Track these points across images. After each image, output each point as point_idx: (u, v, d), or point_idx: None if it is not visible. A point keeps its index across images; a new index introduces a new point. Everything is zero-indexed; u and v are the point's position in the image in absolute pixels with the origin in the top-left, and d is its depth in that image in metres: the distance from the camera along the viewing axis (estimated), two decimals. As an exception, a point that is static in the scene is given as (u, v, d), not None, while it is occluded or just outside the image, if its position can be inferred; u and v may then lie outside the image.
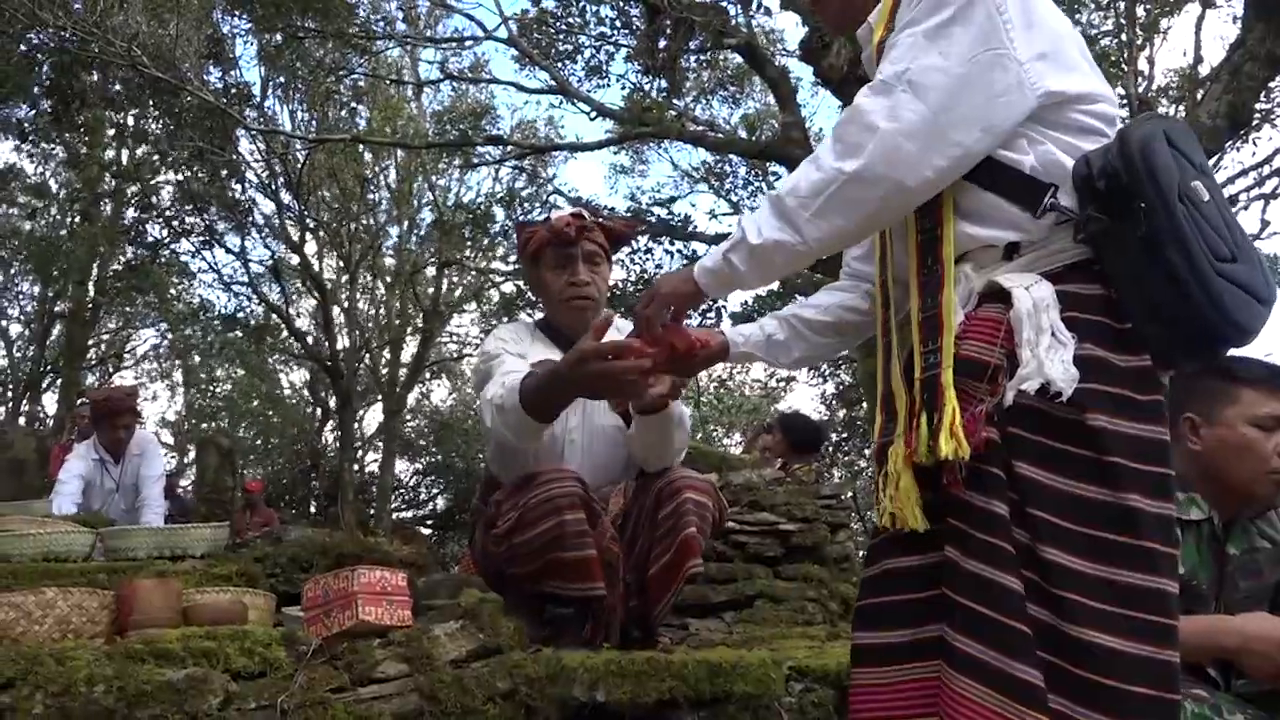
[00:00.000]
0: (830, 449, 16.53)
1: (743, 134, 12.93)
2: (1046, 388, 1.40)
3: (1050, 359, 1.41)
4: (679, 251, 14.44)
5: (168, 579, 2.05)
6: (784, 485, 3.53)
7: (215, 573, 2.29)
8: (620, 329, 2.62)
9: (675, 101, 10.67)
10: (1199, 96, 12.23)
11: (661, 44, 10.19)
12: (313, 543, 2.55)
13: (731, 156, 14.57)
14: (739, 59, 12.05)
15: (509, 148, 12.70)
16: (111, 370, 19.68)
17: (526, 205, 14.72)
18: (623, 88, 11.73)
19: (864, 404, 16.21)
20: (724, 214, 17.52)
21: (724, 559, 3.25)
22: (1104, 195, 1.43)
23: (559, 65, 11.68)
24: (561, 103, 11.74)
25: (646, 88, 11.47)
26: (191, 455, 20.82)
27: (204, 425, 20.43)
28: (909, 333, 1.54)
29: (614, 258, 2.73)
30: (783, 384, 19.96)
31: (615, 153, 16.64)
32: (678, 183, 16.81)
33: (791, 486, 3.52)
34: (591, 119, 11.14)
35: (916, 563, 1.50)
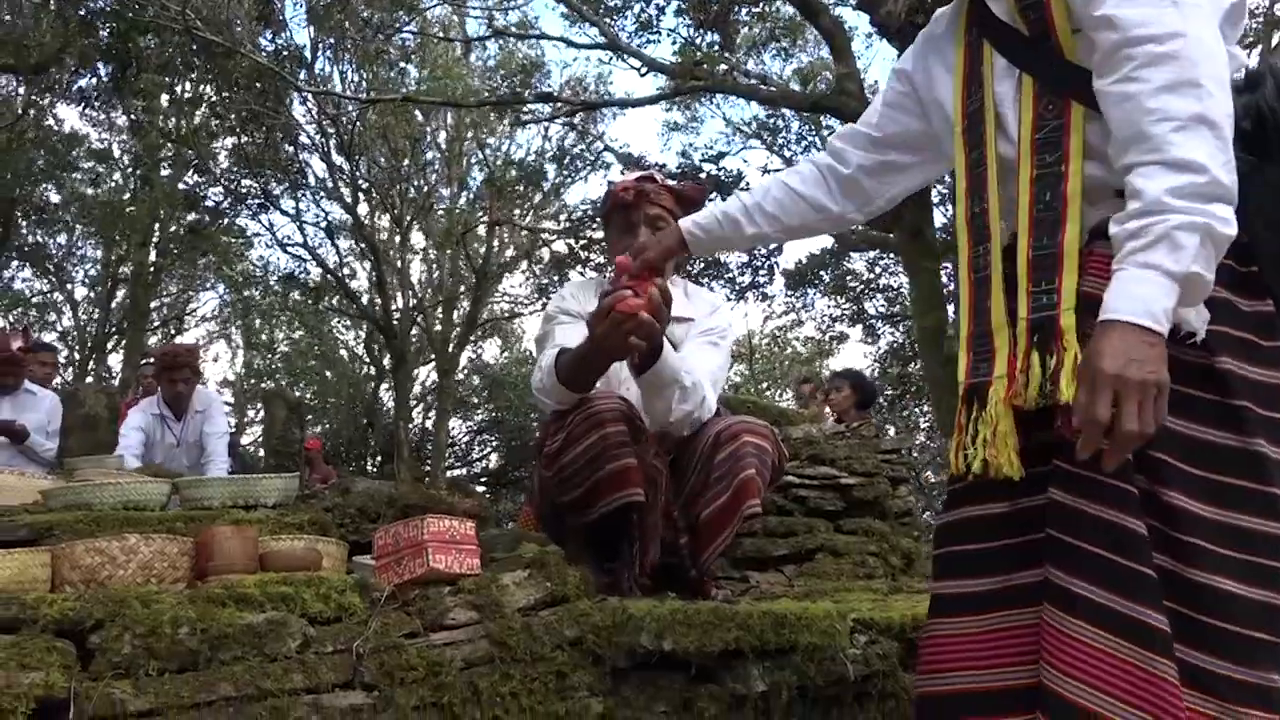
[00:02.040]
0: (884, 406, 16.40)
1: (796, 87, 12.73)
2: (1176, 329, 1.32)
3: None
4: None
5: (244, 526, 2.09)
6: (844, 439, 3.51)
7: (288, 521, 2.33)
8: (689, 294, 2.63)
9: (727, 55, 10.50)
10: (1273, 41, 11.75)
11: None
12: (380, 494, 2.59)
13: (784, 111, 14.37)
14: (791, 10, 11.83)
15: (559, 105, 12.62)
16: (174, 331, 20.16)
17: (578, 163, 14.66)
18: (673, 42, 11.57)
19: (916, 362, 16.04)
20: (776, 169, 17.32)
21: (784, 512, 3.24)
22: (1248, 135, 1.37)
23: (608, 20, 11.56)
24: (611, 59, 11.68)
25: (698, 42, 11.31)
26: (251, 414, 21.34)
27: (264, 384, 20.86)
28: (1013, 271, 1.47)
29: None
30: (835, 340, 19.82)
31: (668, 109, 16.50)
32: (730, 138, 16.64)
33: (852, 440, 3.49)
34: (642, 74, 11.04)
35: (1005, 509, 1.45)
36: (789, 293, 18.10)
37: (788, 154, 17.28)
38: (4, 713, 1.50)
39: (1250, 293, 1.40)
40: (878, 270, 17.86)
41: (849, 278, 18.17)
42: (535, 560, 2.26)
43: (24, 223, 17.93)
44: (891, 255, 16.16)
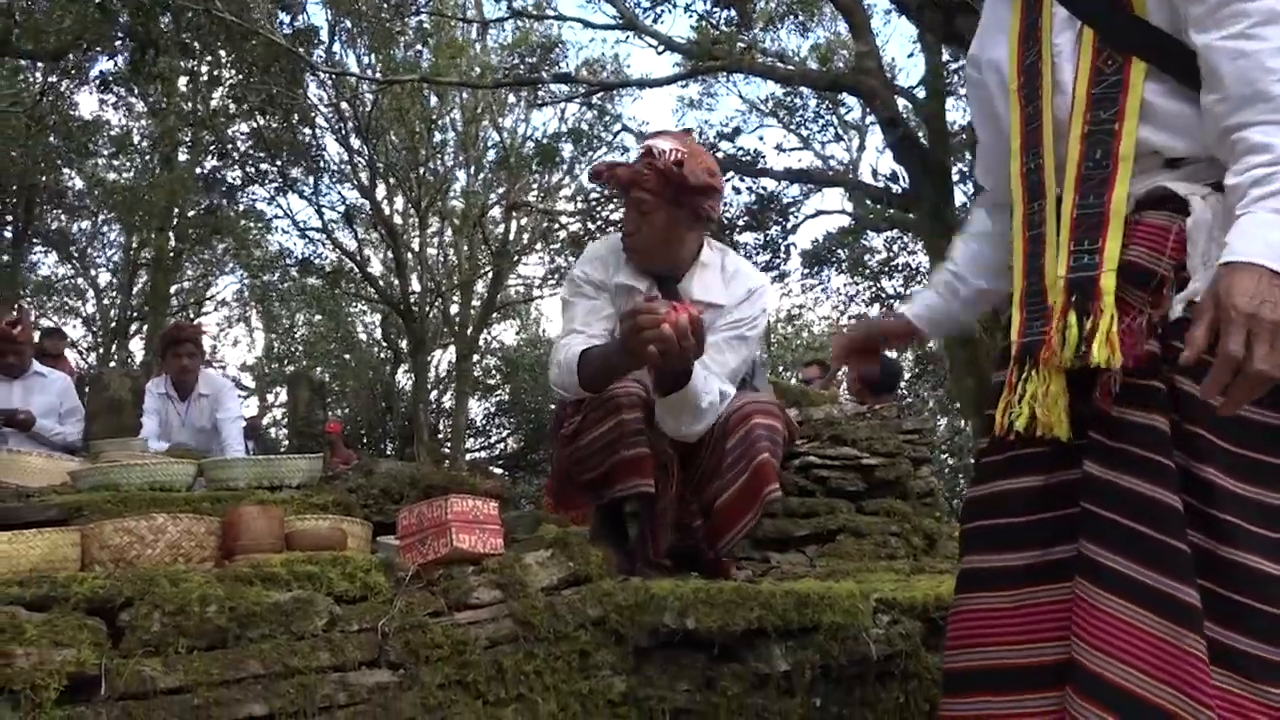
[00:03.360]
0: (904, 389, 16.34)
1: (813, 65, 12.63)
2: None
3: None
4: (748, 188, 14.28)
5: (270, 506, 2.11)
6: (865, 420, 3.49)
7: (313, 501, 2.35)
8: (728, 273, 2.59)
9: (744, 34, 10.43)
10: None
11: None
12: (402, 474, 2.60)
13: (801, 89, 14.26)
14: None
15: (576, 85, 12.58)
16: (193, 315, 20.30)
17: (595, 143, 14.62)
18: (690, 18, 11.48)
19: (935, 342, 15.96)
20: (793, 148, 17.21)
21: (806, 493, 3.24)
22: None
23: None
24: (628, 38, 11.61)
25: (714, 19, 11.23)
26: (271, 397, 21.49)
27: (286, 368, 21.00)
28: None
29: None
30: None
31: (683, 86, 16.41)
32: (746, 116, 16.54)
33: (874, 421, 3.48)
34: (659, 53, 10.98)
35: (1040, 482, 1.43)
36: (806, 272, 18.04)
37: (804, 132, 17.20)
38: (37, 689, 1.52)
39: None
40: (895, 249, 17.76)
41: (866, 256, 18.08)
42: (558, 540, 2.27)
43: (46, 208, 18.07)
44: (910, 234, 16.07)
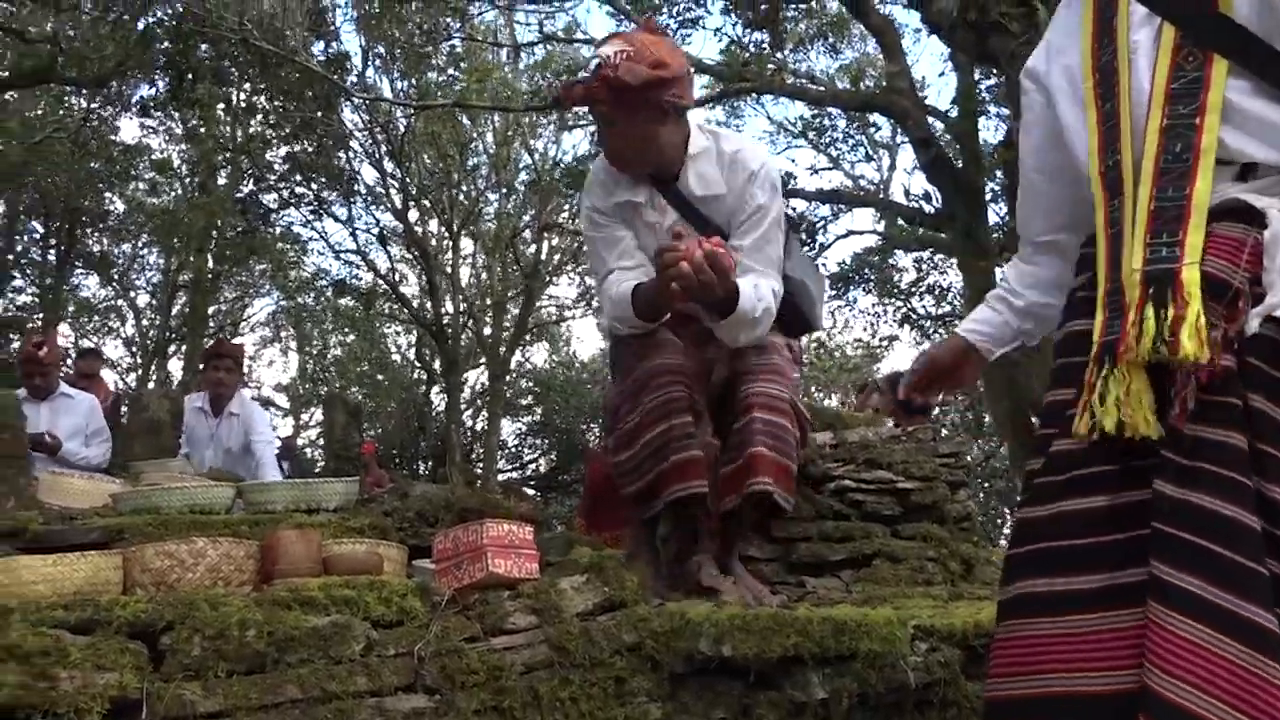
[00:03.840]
0: (939, 412, 16.20)
1: (843, 85, 12.63)
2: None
3: None
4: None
5: (308, 530, 2.12)
6: (901, 443, 3.46)
7: (349, 525, 2.36)
8: (724, 158, 2.55)
9: (776, 55, 10.46)
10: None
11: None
12: (437, 498, 2.61)
13: (831, 109, 14.26)
14: (835, 6, 11.75)
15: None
16: (230, 336, 20.55)
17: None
18: (719, 40, 11.55)
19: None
20: (824, 169, 17.17)
21: (841, 517, 3.20)
22: None
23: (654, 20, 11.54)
24: (658, 61, 11.62)
25: (744, 40, 11.27)
26: (305, 417, 21.69)
27: (319, 389, 21.20)
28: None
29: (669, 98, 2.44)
30: (885, 344, 19.61)
31: (711, 107, 16.44)
32: (774, 137, 16.56)
33: (909, 444, 3.44)
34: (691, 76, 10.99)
35: (1105, 502, 1.39)
36: (834, 293, 17.95)
37: (834, 152, 17.17)
38: (80, 712, 1.54)
39: None
40: (925, 269, 17.65)
41: (895, 276, 17.98)
42: (593, 565, 2.26)
43: (89, 232, 18.43)
44: (940, 254, 15.97)
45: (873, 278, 17.41)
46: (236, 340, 19.87)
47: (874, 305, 18.43)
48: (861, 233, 18.16)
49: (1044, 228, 1.73)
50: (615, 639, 2.06)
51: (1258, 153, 1.39)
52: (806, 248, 14.84)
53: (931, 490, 3.33)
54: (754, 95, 12.97)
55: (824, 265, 15.99)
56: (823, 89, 11.28)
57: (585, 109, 2.70)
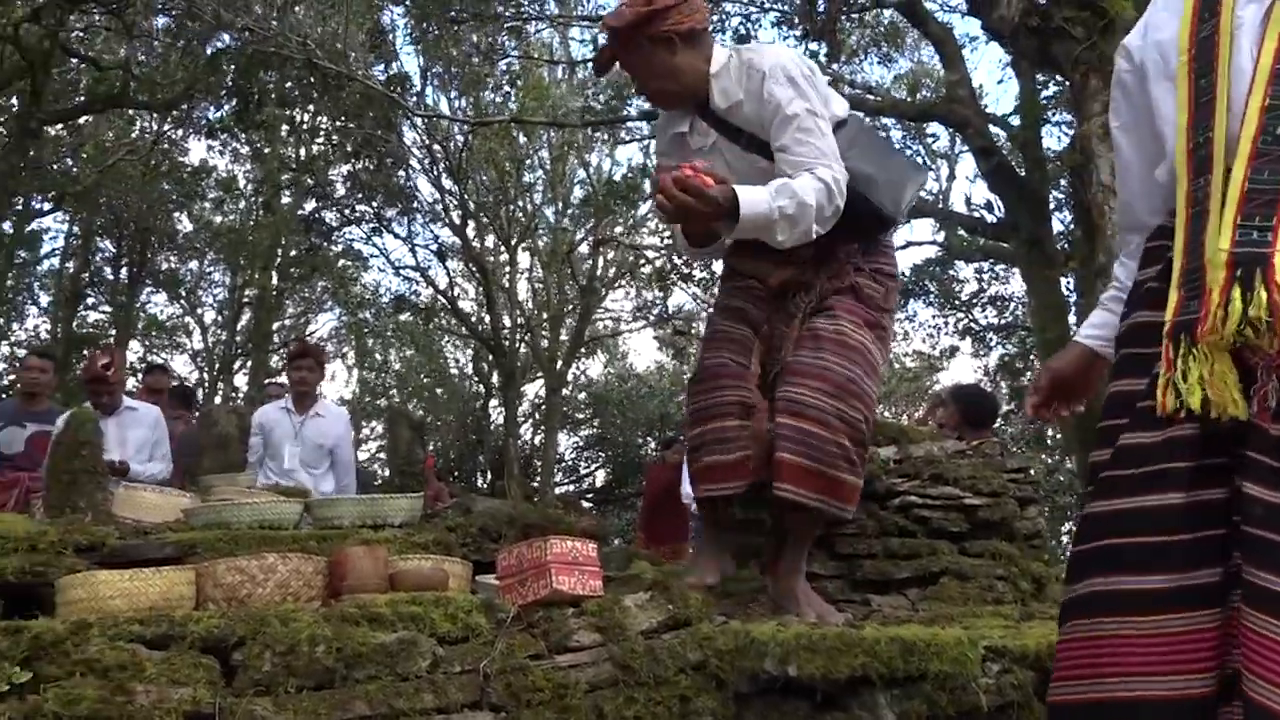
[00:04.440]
0: (1000, 423, 15.90)
1: (898, 94, 12.50)
2: None
3: None
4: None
5: (375, 546, 2.14)
6: (967, 457, 3.39)
7: (414, 541, 2.38)
8: (735, 70, 2.56)
9: (832, 66, 10.39)
10: None
11: (820, 5, 9.91)
12: (500, 513, 2.62)
13: (888, 119, 14.12)
14: (889, 16, 11.64)
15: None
16: (293, 351, 20.92)
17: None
18: (776, 54, 11.48)
19: (1028, 375, 15.50)
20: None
21: (906, 533, 3.14)
22: None
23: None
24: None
25: (802, 52, 11.22)
26: (366, 431, 22.01)
27: (379, 402, 21.50)
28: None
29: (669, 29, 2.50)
30: (944, 355, 19.31)
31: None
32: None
33: (976, 459, 3.37)
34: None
35: (1179, 500, 1.35)
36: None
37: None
38: (156, 727, 1.56)
39: None
40: (987, 280, 17.35)
41: (956, 287, 17.70)
42: (657, 582, 2.25)
43: (159, 251, 18.96)
44: (1002, 265, 15.69)
45: (933, 289, 17.16)
46: (319, 345, 20.30)
47: (934, 317, 18.17)
48: (920, 243, 17.90)
49: (1145, 213, 1.68)
50: (680, 657, 2.04)
51: None
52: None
53: (1000, 506, 3.25)
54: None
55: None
56: (879, 99, 11.17)
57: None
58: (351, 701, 1.71)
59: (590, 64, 2.94)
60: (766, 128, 2.51)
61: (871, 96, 10.99)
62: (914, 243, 17.06)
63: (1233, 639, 1.31)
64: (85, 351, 18.33)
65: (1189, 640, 1.31)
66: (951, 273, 17.43)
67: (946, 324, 18.17)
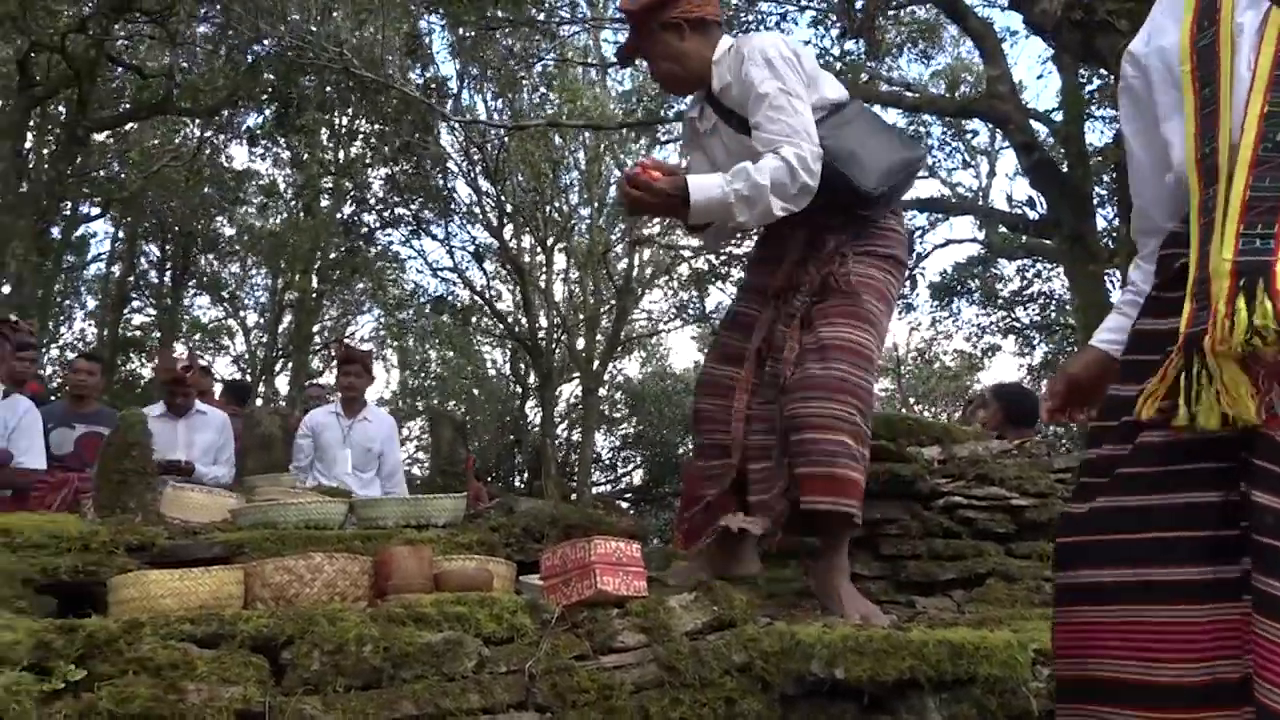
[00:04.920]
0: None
1: (936, 90, 12.37)
2: None
3: None
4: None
5: (420, 546, 2.15)
6: (1013, 457, 3.33)
7: (458, 541, 2.39)
8: (726, 61, 2.67)
9: (869, 63, 10.30)
10: None
11: (858, 3, 9.83)
12: (543, 514, 2.62)
13: (927, 116, 13.99)
14: (927, 12, 11.52)
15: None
16: (334, 354, 21.17)
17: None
18: (812, 50, 11.41)
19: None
20: (920, 177, 16.81)
21: (951, 535, 3.10)
22: None
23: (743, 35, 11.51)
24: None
25: (835, 51, 11.14)
26: (405, 432, 22.20)
27: (418, 403, 21.67)
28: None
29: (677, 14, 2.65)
30: (986, 354, 19.09)
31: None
32: (867, 146, 16.28)
33: (1022, 459, 3.32)
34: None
35: (1181, 500, 1.39)
36: (935, 304, 17.55)
37: (930, 160, 16.81)
38: (207, 725, 1.58)
39: None
40: (1029, 277, 17.11)
41: (998, 285, 17.47)
42: (701, 582, 2.24)
43: (202, 254, 19.28)
44: (1045, 262, 15.47)
45: (975, 287, 16.97)
46: (366, 351, 20.53)
47: (976, 315, 17.96)
48: (961, 241, 17.67)
49: (1161, 217, 1.67)
50: (725, 659, 2.03)
51: None
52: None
53: (1047, 507, 3.20)
54: (848, 104, 12.77)
55: (922, 275, 15.68)
56: (917, 95, 11.06)
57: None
58: (399, 701, 1.71)
59: (616, 58, 3.03)
60: (746, 107, 2.61)
61: (910, 93, 10.87)
62: (955, 240, 16.93)
63: (1227, 636, 1.34)
64: (133, 353, 18.69)
65: (1188, 631, 1.36)
66: (994, 271, 17.23)
67: (989, 322, 17.96)
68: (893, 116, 15.48)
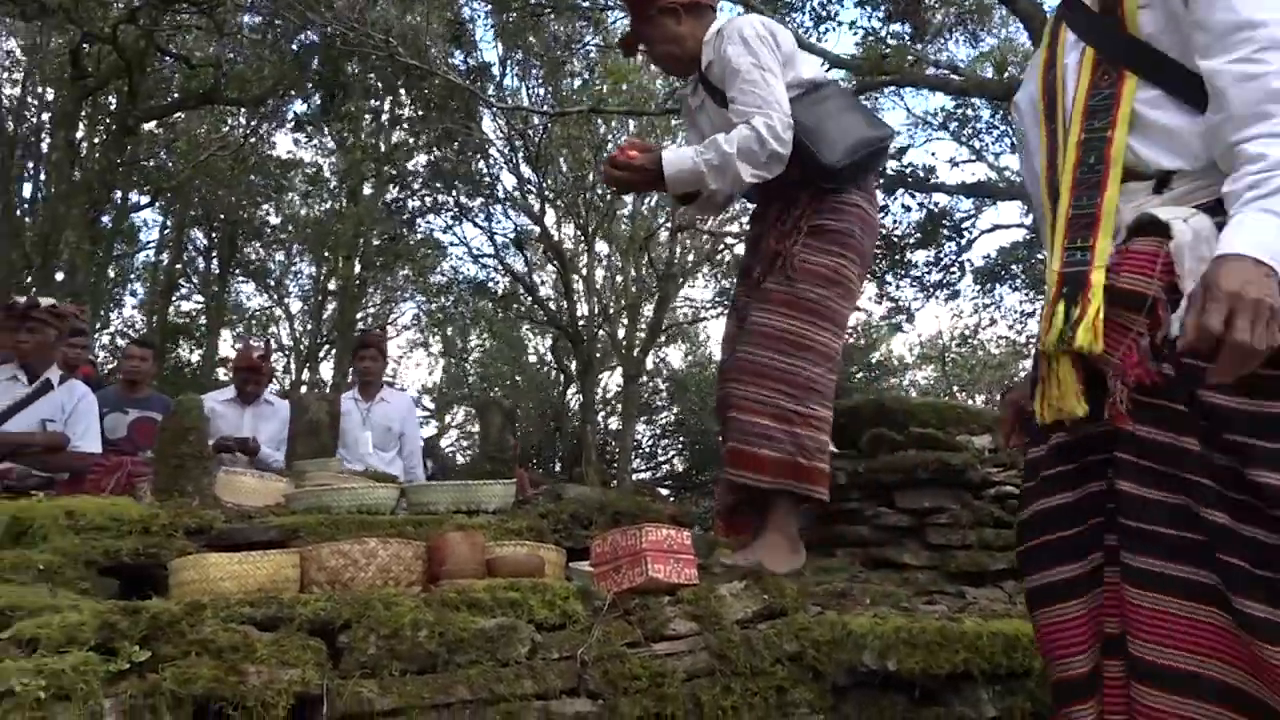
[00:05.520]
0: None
1: (989, 74, 12.15)
2: None
3: None
4: (919, 204, 13.87)
5: (473, 532, 2.16)
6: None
7: (509, 527, 2.40)
8: (711, 45, 2.81)
9: (916, 46, 10.15)
10: None
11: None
12: (591, 500, 2.63)
13: (974, 99, 13.77)
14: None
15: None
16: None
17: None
18: (855, 34, 11.29)
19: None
20: (965, 161, 16.59)
21: (1001, 524, 3.06)
22: None
23: (787, 18, 11.41)
24: (792, 57, 11.46)
25: (882, 33, 11.00)
26: (448, 419, 22.38)
27: (458, 390, 21.83)
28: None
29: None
30: (1031, 341, 18.79)
31: (849, 103, 16.10)
32: (914, 130, 16.10)
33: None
34: (825, 71, 10.79)
35: (1070, 499, 1.56)
36: (979, 289, 17.29)
37: (977, 144, 16.57)
38: (267, 706, 1.60)
39: None
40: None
41: (1042, 271, 17.15)
42: (751, 571, 2.23)
43: (248, 242, 19.54)
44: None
45: (1020, 273, 16.71)
46: (380, 335, 20.72)
47: (1021, 302, 17.68)
48: (1008, 227, 17.39)
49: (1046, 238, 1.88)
50: (776, 648, 2.02)
51: (1167, 162, 1.51)
52: (950, 244, 14.38)
53: (1100, 498, 3.14)
54: (895, 88, 12.66)
55: (969, 262, 15.47)
56: (965, 79, 10.87)
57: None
58: (454, 686, 1.73)
59: (623, 49, 3.27)
60: (725, 83, 2.76)
61: (956, 76, 10.69)
62: (1000, 226, 16.61)
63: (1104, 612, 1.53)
64: (181, 340, 19.01)
65: (1078, 624, 1.54)
66: (1039, 257, 16.93)
67: (1033, 309, 17.66)
68: (941, 100, 15.32)
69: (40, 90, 16.65)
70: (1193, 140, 1.49)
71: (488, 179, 16.71)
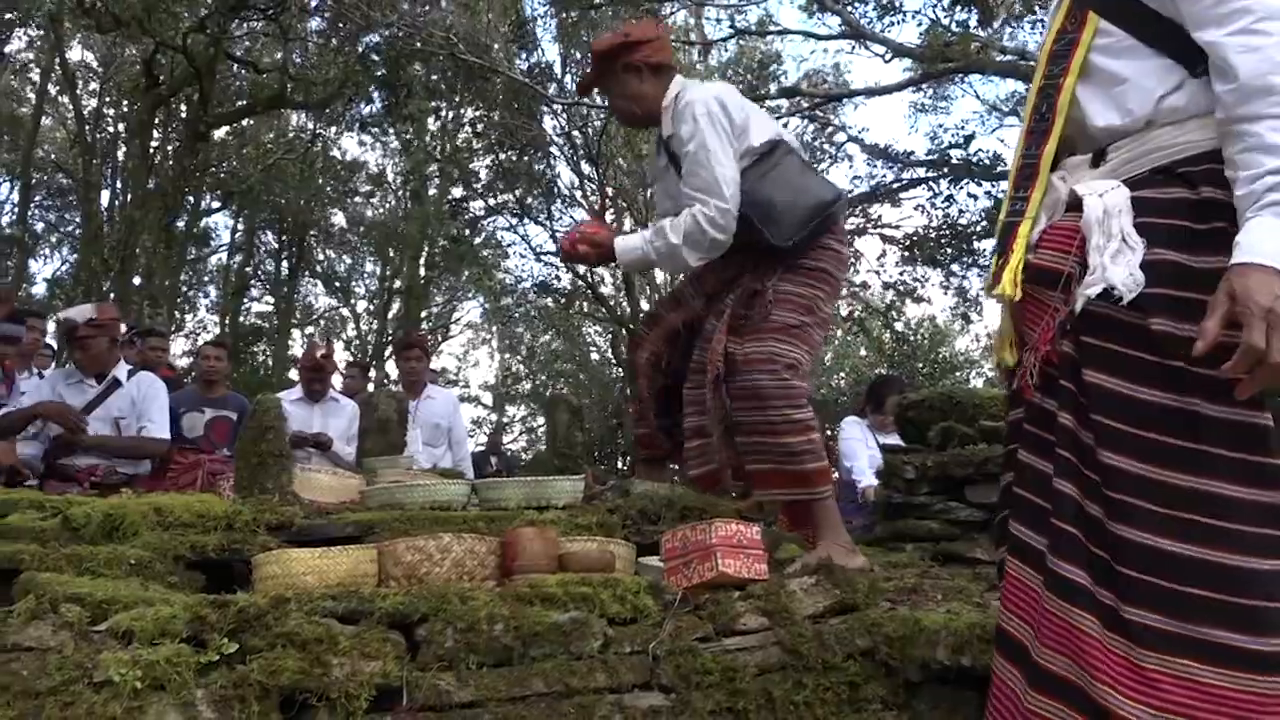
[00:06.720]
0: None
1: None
2: (1110, 293, 1.41)
3: (1115, 264, 1.41)
4: (986, 193, 13.61)
5: (545, 528, 2.19)
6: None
7: (579, 523, 2.42)
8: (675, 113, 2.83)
9: (980, 33, 9.96)
10: None
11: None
12: (659, 496, 2.63)
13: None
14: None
15: (803, 99, 12.47)
16: (441, 339, 21.71)
17: (818, 154, 14.44)
18: (919, 24, 11.14)
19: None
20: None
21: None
22: None
23: (850, 8, 11.28)
24: (854, 48, 11.38)
25: (946, 21, 10.81)
26: (509, 415, 22.60)
27: (519, 386, 22.01)
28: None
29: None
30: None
31: (915, 91, 15.90)
32: (984, 117, 15.79)
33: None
34: (887, 60, 10.68)
35: (1030, 462, 1.56)
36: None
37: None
38: (349, 697, 1.64)
39: (1206, 250, 1.41)
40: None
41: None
42: (822, 565, 2.22)
43: (316, 245, 19.96)
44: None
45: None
46: (447, 347, 21.05)
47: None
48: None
49: None
50: (848, 643, 2.01)
51: (1104, 120, 1.50)
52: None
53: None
54: (961, 75, 12.43)
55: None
56: (1032, 64, 10.63)
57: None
58: (529, 679, 1.76)
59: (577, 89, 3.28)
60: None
61: (1024, 62, 10.46)
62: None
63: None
64: (255, 341, 19.48)
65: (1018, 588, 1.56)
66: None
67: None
68: (1011, 86, 15.00)
69: (116, 100, 17.21)
70: (1139, 91, 1.48)
71: (548, 177, 16.82)
